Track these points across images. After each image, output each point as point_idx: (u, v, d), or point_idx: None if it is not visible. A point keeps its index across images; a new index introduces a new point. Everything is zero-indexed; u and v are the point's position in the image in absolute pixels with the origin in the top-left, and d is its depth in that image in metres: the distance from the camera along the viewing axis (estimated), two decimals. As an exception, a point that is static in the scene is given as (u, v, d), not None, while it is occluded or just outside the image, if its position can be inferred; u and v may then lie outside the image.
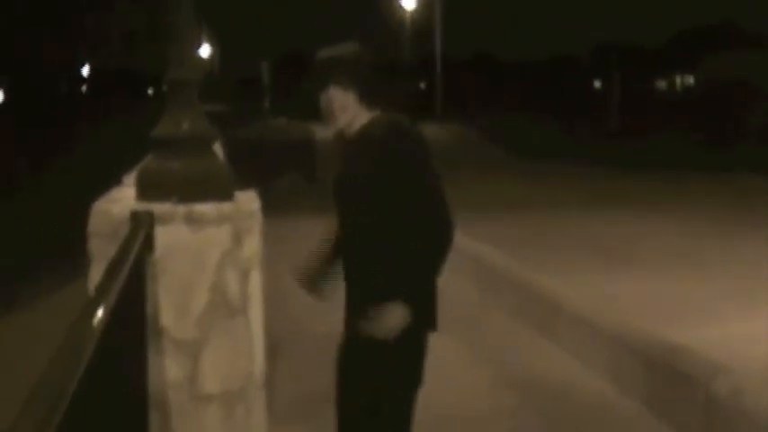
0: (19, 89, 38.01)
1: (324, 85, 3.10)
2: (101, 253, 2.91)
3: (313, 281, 3.33)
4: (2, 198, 14.47)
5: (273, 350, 4.05)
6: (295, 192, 16.57)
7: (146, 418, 2.88)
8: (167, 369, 3.00)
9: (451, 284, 2.82)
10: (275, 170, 19.51)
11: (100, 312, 1.85)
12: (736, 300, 6.43)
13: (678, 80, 69.89)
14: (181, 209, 3.05)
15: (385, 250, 3.02)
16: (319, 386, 5.29)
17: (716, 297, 6.57)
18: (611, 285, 6.99)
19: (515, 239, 9.40)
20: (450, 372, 5.19)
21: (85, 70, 53.41)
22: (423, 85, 64.86)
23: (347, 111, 3.09)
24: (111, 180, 3.80)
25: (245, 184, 3.64)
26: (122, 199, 3.21)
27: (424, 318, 2.98)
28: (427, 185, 3.01)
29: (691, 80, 66.17)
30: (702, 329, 5.55)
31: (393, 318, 2.89)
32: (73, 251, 3.80)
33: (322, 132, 32.34)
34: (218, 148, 5.44)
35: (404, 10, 49.70)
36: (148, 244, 2.93)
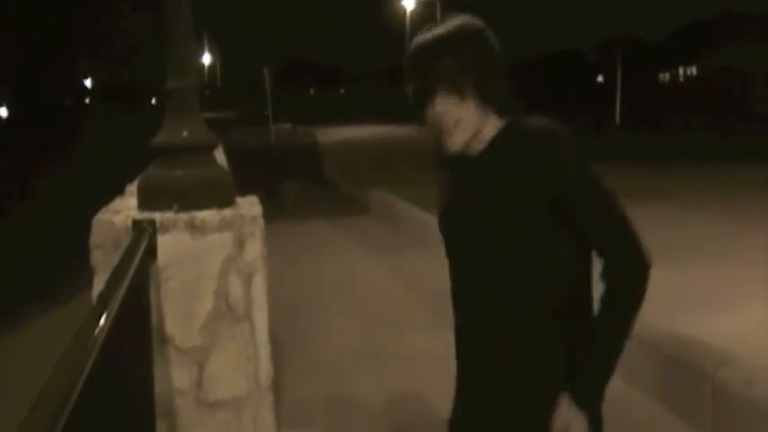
0: (23, 103, 38.16)
1: (429, 92, 2.09)
2: (104, 264, 2.92)
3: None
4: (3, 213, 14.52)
5: (279, 354, 4.06)
6: (304, 196, 16.61)
7: (153, 426, 2.89)
8: (174, 376, 3.01)
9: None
10: (282, 175, 19.56)
11: (102, 321, 1.85)
12: (744, 290, 6.43)
13: (681, 71, 69.78)
14: (183, 216, 3.06)
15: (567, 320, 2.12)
16: (326, 389, 5.33)
17: (722, 287, 6.57)
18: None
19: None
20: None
21: (88, 82, 53.65)
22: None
23: (465, 124, 2.09)
24: (113, 190, 3.82)
25: (251, 189, 3.65)
26: (124, 209, 3.22)
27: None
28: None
29: (694, 71, 66.15)
30: (710, 320, 5.55)
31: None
32: (75, 265, 3.81)
33: (324, 137, 32.29)
34: (219, 155, 5.46)
35: (404, 10, 49.81)
36: (151, 252, 2.94)
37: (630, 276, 2.09)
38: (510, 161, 2.08)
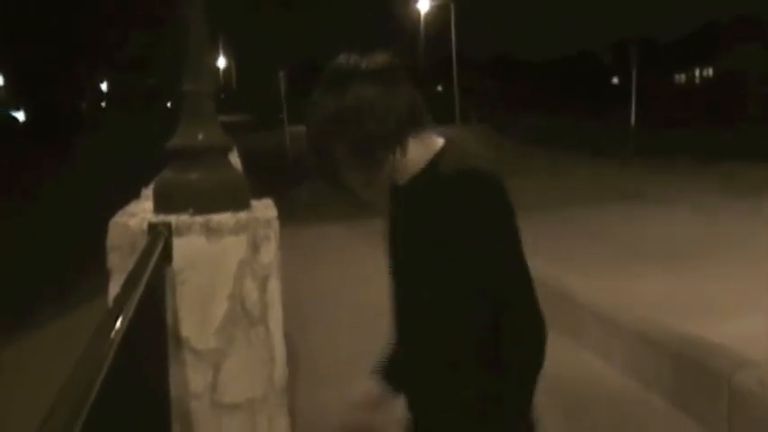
0: (39, 108, 38.41)
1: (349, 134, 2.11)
2: (120, 267, 2.93)
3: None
4: (18, 214, 14.61)
5: (294, 357, 4.06)
6: (317, 199, 16.61)
7: (169, 429, 2.90)
8: (189, 379, 3.02)
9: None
10: (296, 178, 19.58)
11: (118, 324, 1.86)
12: (758, 293, 6.38)
13: (697, 73, 69.53)
14: (198, 219, 3.07)
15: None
16: (340, 393, 5.33)
17: (737, 290, 6.53)
18: (631, 281, 6.96)
19: (532, 238, 9.38)
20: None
21: (104, 86, 53.94)
22: (439, 88, 65.12)
23: (412, 159, 2.16)
24: (129, 193, 3.83)
25: (266, 192, 3.65)
26: (140, 212, 3.23)
27: None
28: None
29: (710, 72, 65.89)
30: (725, 323, 5.51)
31: None
32: (92, 267, 3.82)
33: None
34: (234, 158, 5.47)
35: (418, 13, 49.79)
36: (166, 255, 2.95)
37: (531, 342, 2.16)
38: (437, 196, 2.10)
